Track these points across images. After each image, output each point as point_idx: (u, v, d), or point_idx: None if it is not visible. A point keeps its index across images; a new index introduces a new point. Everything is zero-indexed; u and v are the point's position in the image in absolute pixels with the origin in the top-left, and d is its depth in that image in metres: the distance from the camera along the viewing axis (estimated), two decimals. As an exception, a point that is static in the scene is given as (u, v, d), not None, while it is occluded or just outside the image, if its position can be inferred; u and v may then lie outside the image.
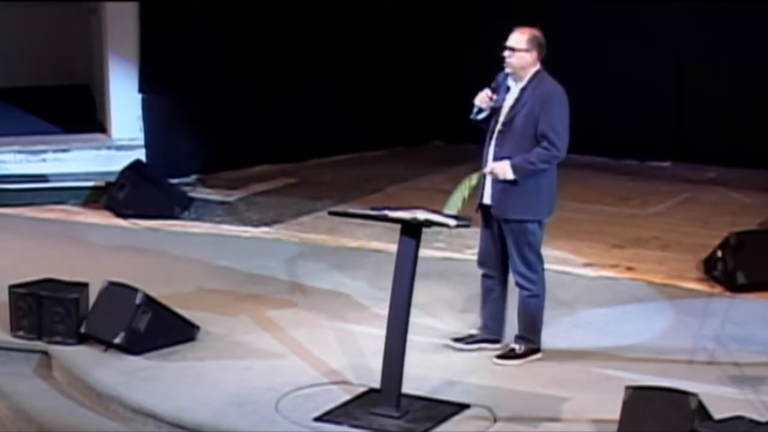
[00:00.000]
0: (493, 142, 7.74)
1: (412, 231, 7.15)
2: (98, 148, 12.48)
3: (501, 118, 7.71)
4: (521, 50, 7.65)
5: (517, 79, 7.71)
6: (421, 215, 7.16)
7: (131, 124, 12.47)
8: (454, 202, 7.53)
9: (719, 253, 9.37)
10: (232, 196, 12.09)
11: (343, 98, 13.42)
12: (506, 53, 7.67)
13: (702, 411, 6.52)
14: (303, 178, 12.79)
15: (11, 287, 8.45)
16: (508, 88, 7.75)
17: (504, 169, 7.61)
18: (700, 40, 12.96)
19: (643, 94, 13.26)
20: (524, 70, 7.68)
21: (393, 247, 7.35)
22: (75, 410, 7.63)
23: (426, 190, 11.87)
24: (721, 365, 7.79)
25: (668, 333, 8.44)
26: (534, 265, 7.83)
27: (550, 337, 8.24)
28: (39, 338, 8.29)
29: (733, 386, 7.44)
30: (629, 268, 9.75)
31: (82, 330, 8.20)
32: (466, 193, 7.57)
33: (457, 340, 8.05)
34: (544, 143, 7.58)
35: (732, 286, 9.16)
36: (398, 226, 7.20)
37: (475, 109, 7.75)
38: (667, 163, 13.21)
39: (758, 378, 7.55)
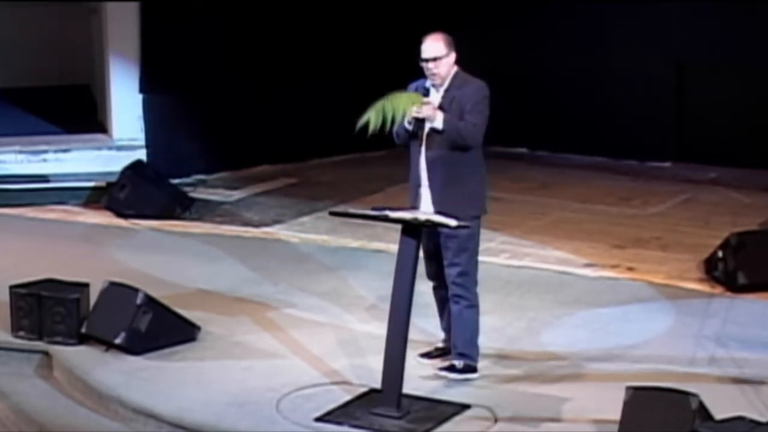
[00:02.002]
0: (423, 147, 7.62)
1: (412, 231, 7.15)
2: (99, 148, 12.49)
3: (429, 123, 7.59)
4: (443, 57, 7.53)
5: (438, 84, 7.62)
6: (422, 215, 7.18)
7: (132, 124, 12.47)
8: (378, 111, 7.51)
9: (720, 254, 9.37)
10: (233, 197, 12.09)
11: (343, 98, 13.36)
12: (430, 65, 7.53)
13: (703, 411, 6.52)
14: (303, 179, 12.79)
15: (12, 287, 8.45)
16: (427, 93, 7.64)
17: (435, 114, 7.46)
18: (700, 40, 12.95)
19: (643, 94, 13.26)
20: (448, 74, 7.60)
21: (393, 248, 7.36)
22: (75, 410, 7.63)
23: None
24: (722, 365, 7.78)
25: (669, 333, 8.43)
26: (472, 272, 7.65)
27: (551, 336, 8.25)
28: (40, 338, 8.30)
29: (734, 386, 7.44)
30: (630, 269, 9.74)
31: (83, 330, 8.21)
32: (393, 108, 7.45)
33: (423, 355, 7.87)
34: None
35: (732, 286, 9.16)
36: (399, 227, 7.21)
37: (410, 120, 7.58)
38: (667, 163, 13.20)
39: (758, 378, 7.54)
